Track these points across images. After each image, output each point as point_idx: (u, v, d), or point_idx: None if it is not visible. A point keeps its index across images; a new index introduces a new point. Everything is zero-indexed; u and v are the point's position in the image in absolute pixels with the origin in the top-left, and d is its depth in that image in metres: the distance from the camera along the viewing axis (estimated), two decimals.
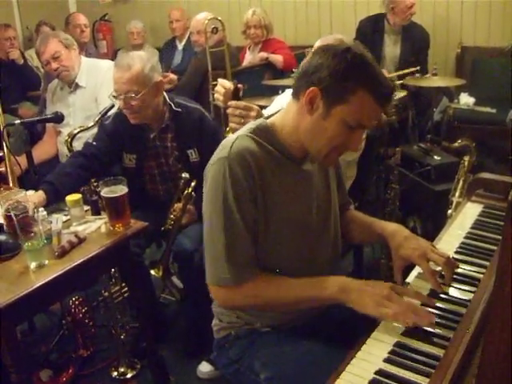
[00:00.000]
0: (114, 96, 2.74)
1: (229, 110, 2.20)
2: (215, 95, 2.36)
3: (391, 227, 1.83)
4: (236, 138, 1.65)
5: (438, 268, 1.69)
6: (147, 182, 3.03)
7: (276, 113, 1.80)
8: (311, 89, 1.55)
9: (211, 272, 1.66)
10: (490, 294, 0.93)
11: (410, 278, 1.75)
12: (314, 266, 1.76)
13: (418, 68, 4.48)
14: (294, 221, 1.70)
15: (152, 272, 2.85)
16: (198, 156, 2.91)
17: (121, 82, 2.69)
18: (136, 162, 2.95)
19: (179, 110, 2.87)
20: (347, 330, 1.66)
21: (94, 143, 2.87)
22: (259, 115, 2.13)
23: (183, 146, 2.91)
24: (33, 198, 2.41)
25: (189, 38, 5.78)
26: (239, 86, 2.27)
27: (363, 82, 1.52)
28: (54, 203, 2.55)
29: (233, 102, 2.19)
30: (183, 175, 2.78)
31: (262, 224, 1.65)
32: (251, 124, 1.74)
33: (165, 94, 2.89)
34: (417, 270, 1.77)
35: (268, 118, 1.78)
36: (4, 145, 2.89)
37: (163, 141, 2.92)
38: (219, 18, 4.62)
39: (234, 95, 2.24)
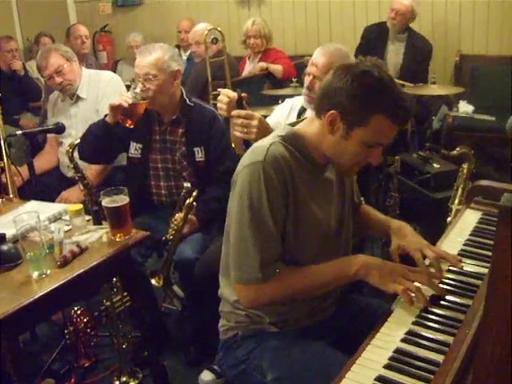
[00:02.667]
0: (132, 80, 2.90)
1: (233, 119, 2.22)
2: (218, 104, 2.37)
3: (397, 223, 1.96)
4: (270, 144, 1.70)
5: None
6: (151, 177, 3.05)
7: (300, 121, 1.89)
8: (331, 112, 1.64)
9: (239, 271, 1.70)
10: (485, 297, 0.94)
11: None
12: None
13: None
14: (317, 224, 1.78)
15: (153, 281, 2.85)
16: (203, 156, 2.96)
17: (141, 66, 2.86)
18: (142, 152, 3.02)
19: (192, 104, 2.98)
20: (354, 335, 1.69)
21: None
22: (262, 123, 2.15)
23: (191, 142, 2.96)
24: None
25: None
26: (243, 95, 2.29)
27: (381, 107, 1.59)
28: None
29: (235, 111, 2.21)
30: (185, 184, 2.80)
31: (291, 226, 1.71)
32: (280, 131, 1.80)
33: (182, 89, 3.01)
34: None
35: (293, 125, 1.86)
36: (4, 155, 2.90)
37: (174, 134, 2.99)
38: (219, 29, 4.66)
39: (238, 104, 2.25)
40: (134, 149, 3.03)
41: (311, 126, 1.78)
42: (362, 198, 2.16)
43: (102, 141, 2.89)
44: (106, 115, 2.88)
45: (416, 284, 1.61)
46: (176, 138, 2.99)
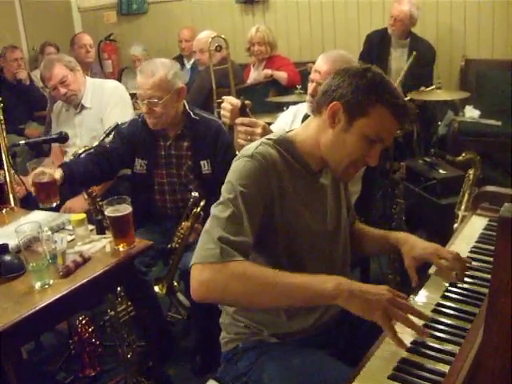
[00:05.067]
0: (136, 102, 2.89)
1: (236, 127, 2.21)
2: (222, 112, 2.37)
3: (402, 234, 1.94)
4: (260, 144, 1.71)
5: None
6: (156, 191, 3.04)
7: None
8: (334, 103, 1.65)
9: (199, 251, 1.54)
10: (486, 310, 0.92)
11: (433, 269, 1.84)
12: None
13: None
14: (309, 230, 1.75)
15: (156, 288, 2.84)
16: (210, 168, 2.93)
17: (145, 88, 2.77)
18: (147, 168, 2.99)
19: (197, 118, 2.94)
20: (356, 345, 1.66)
21: (107, 145, 2.96)
22: (266, 131, 2.14)
23: (197, 155, 2.93)
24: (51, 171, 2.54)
25: None
26: (246, 102, 2.28)
27: (382, 98, 1.62)
28: (67, 183, 2.68)
29: (239, 119, 2.20)
30: (193, 194, 2.79)
31: (280, 229, 1.68)
32: (272, 135, 1.80)
33: (185, 102, 2.96)
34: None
35: (288, 132, 1.84)
36: (5, 165, 2.90)
37: (179, 149, 2.96)
38: (222, 36, 4.66)
39: (242, 112, 2.25)
40: (140, 165, 3.00)
41: (306, 129, 1.78)
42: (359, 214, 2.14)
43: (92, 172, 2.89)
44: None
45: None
46: (181, 153, 2.96)
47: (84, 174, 2.80)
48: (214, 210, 1.61)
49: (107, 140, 2.98)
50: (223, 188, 1.66)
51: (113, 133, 2.99)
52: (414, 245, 1.85)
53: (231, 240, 1.51)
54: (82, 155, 2.92)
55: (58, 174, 2.60)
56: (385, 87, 1.64)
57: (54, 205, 2.58)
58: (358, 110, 1.63)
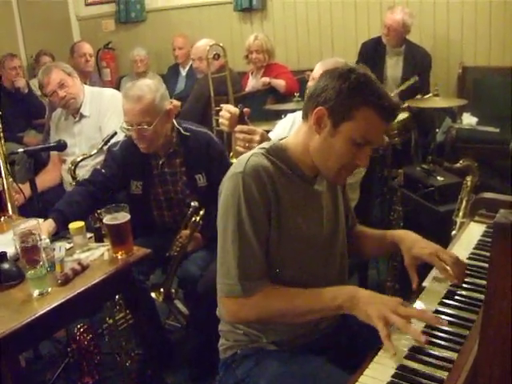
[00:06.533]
0: (125, 128, 2.76)
1: (235, 134, 2.21)
2: (220, 120, 2.36)
3: (401, 232, 1.94)
4: (251, 155, 1.70)
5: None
6: (153, 208, 3.02)
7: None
8: (318, 108, 1.64)
9: (222, 284, 1.69)
10: (482, 316, 0.92)
11: (427, 281, 1.83)
12: (323, 282, 1.75)
13: (418, 85, 4.50)
14: (305, 237, 1.75)
15: (152, 294, 2.83)
16: (205, 181, 2.91)
17: (132, 114, 2.70)
18: (143, 188, 2.95)
19: (188, 134, 2.89)
20: (354, 351, 1.66)
21: (103, 170, 2.89)
22: (264, 138, 2.15)
23: (192, 170, 2.91)
24: (43, 226, 2.40)
25: (192, 64, 5.82)
26: (245, 110, 2.28)
27: (367, 99, 1.59)
28: (62, 231, 2.55)
29: (238, 126, 2.20)
30: (192, 203, 2.78)
31: (275, 238, 1.69)
32: (264, 144, 1.81)
33: (173, 120, 2.90)
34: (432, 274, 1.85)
35: (281, 139, 1.84)
36: (3, 172, 2.89)
37: (172, 167, 2.93)
38: (220, 44, 4.67)
39: (240, 119, 2.25)
40: (135, 186, 2.96)
41: (297, 135, 1.78)
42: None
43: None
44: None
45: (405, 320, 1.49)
46: (175, 170, 2.93)
47: (80, 212, 2.69)
48: (222, 240, 1.68)
49: (114, 149, 2.94)
50: (222, 211, 1.68)
51: (106, 157, 2.97)
52: (414, 243, 1.84)
53: (248, 274, 1.65)
54: (79, 186, 2.88)
55: (47, 229, 2.46)
56: (369, 88, 1.61)
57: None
58: (343, 114, 1.61)
